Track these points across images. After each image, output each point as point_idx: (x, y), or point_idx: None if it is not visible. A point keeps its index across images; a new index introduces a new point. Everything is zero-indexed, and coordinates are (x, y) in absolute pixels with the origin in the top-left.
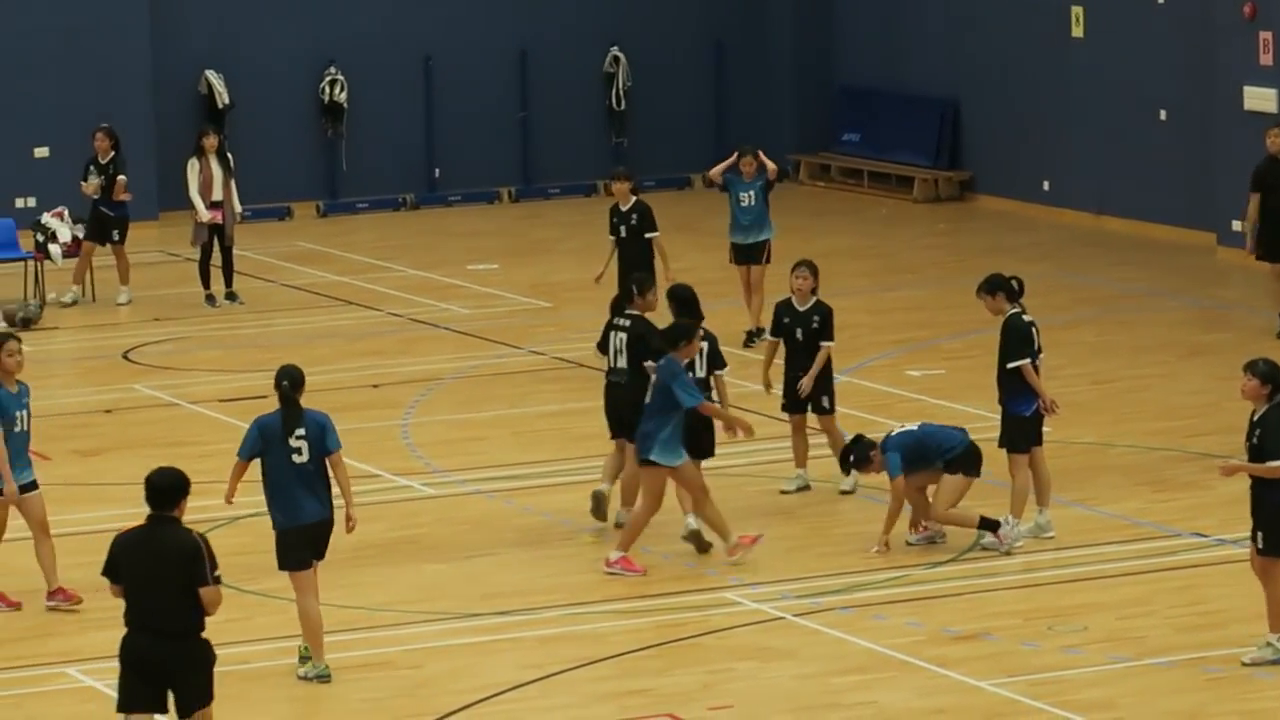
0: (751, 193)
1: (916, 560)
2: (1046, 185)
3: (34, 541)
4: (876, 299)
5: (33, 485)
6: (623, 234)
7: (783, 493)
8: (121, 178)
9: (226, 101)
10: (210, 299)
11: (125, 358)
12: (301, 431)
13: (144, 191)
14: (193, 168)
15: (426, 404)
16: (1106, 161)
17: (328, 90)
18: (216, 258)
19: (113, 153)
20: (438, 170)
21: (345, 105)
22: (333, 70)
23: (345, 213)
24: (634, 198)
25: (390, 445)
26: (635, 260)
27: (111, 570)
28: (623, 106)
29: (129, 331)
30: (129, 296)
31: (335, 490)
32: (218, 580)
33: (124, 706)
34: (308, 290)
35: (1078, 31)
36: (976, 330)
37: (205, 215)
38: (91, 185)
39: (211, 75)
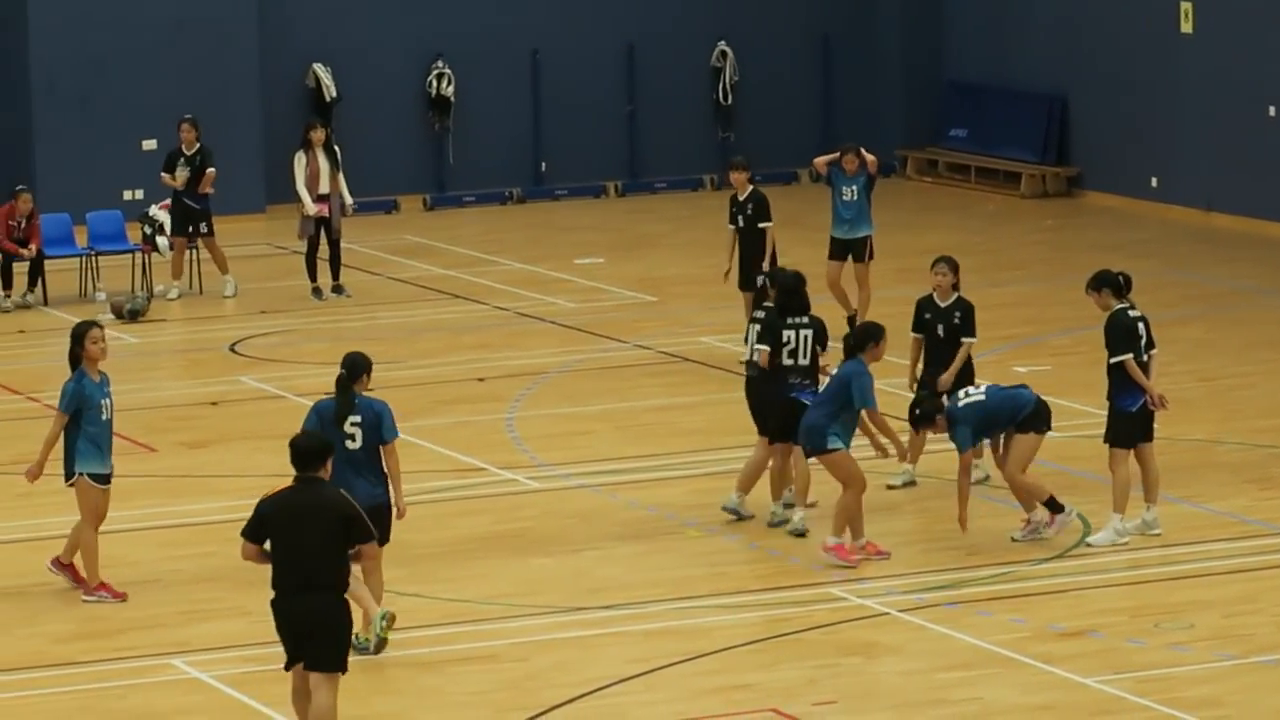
0: (854, 188)
1: (1021, 556)
2: (1155, 181)
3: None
4: (983, 295)
5: (109, 478)
6: (740, 224)
7: (889, 488)
8: (211, 169)
9: (334, 95)
10: (317, 292)
11: (231, 350)
12: (356, 419)
13: (251, 185)
14: (299, 161)
15: (532, 398)
16: (1215, 158)
17: (435, 84)
18: (324, 250)
19: (198, 144)
20: (544, 164)
21: (452, 99)
22: (440, 63)
23: (452, 206)
24: (751, 187)
25: (495, 439)
26: (751, 250)
27: (253, 531)
28: (729, 101)
29: (235, 324)
30: (235, 286)
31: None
32: (372, 535)
33: (291, 663)
34: (414, 284)
35: (1187, 27)
36: (1084, 327)
37: (311, 208)
38: (180, 177)
39: (319, 68)
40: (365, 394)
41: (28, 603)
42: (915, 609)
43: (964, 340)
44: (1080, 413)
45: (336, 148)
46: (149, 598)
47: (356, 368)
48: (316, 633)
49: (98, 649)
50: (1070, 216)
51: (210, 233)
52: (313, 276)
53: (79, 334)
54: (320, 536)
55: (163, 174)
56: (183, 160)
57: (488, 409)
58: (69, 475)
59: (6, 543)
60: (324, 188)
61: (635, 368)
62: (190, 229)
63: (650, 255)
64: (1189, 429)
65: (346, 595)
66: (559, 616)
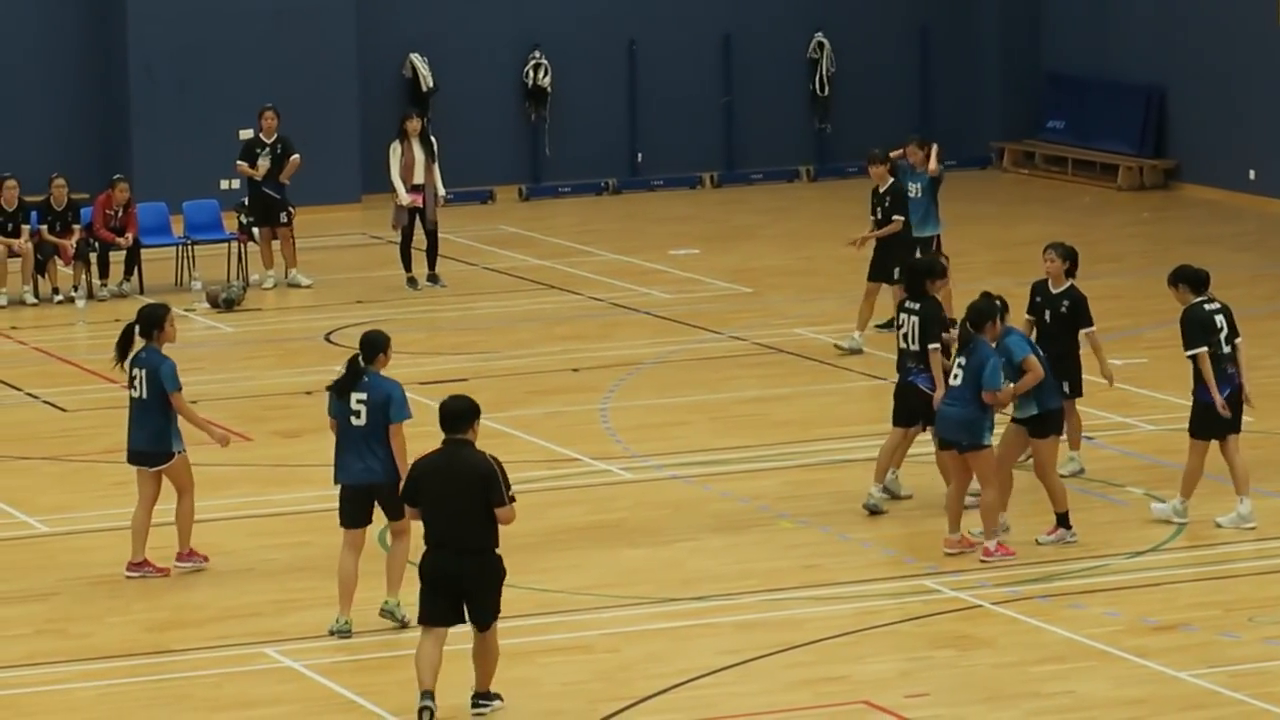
0: (919, 185)
1: (1115, 550)
2: (1253, 174)
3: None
4: (1079, 287)
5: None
6: (878, 215)
7: None
8: (295, 156)
9: (430, 85)
10: (412, 282)
11: (327, 339)
12: (362, 396)
13: (347, 175)
14: (395, 151)
15: (626, 388)
16: None
17: (531, 74)
18: (419, 240)
19: (276, 133)
20: (640, 155)
21: (549, 89)
22: (537, 54)
23: (547, 196)
24: (890, 179)
25: (589, 429)
26: (888, 241)
27: (410, 493)
28: (826, 92)
29: (330, 314)
30: (309, 278)
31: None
32: (512, 499)
33: (424, 620)
34: (509, 274)
35: None
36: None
37: (405, 199)
38: (261, 167)
39: (416, 59)
40: (381, 374)
41: (122, 590)
42: (1008, 601)
43: (1083, 331)
44: (1174, 405)
45: (433, 138)
46: (243, 586)
47: (371, 346)
48: (470, 594)
49: (191, 637)
50: (1167, 209)
51: (289, 223)
52: (407, 266)
53: (159, 316)
54: (465, 497)
55: (240, 163)
56: (264, 150)
57: (582, 399)
58: (166, 456)
59: (103, 530)
60: (419, 178)
61: (729, 359)
62: (269, 218)
63: (745, 246)
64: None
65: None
66: (651, 608)
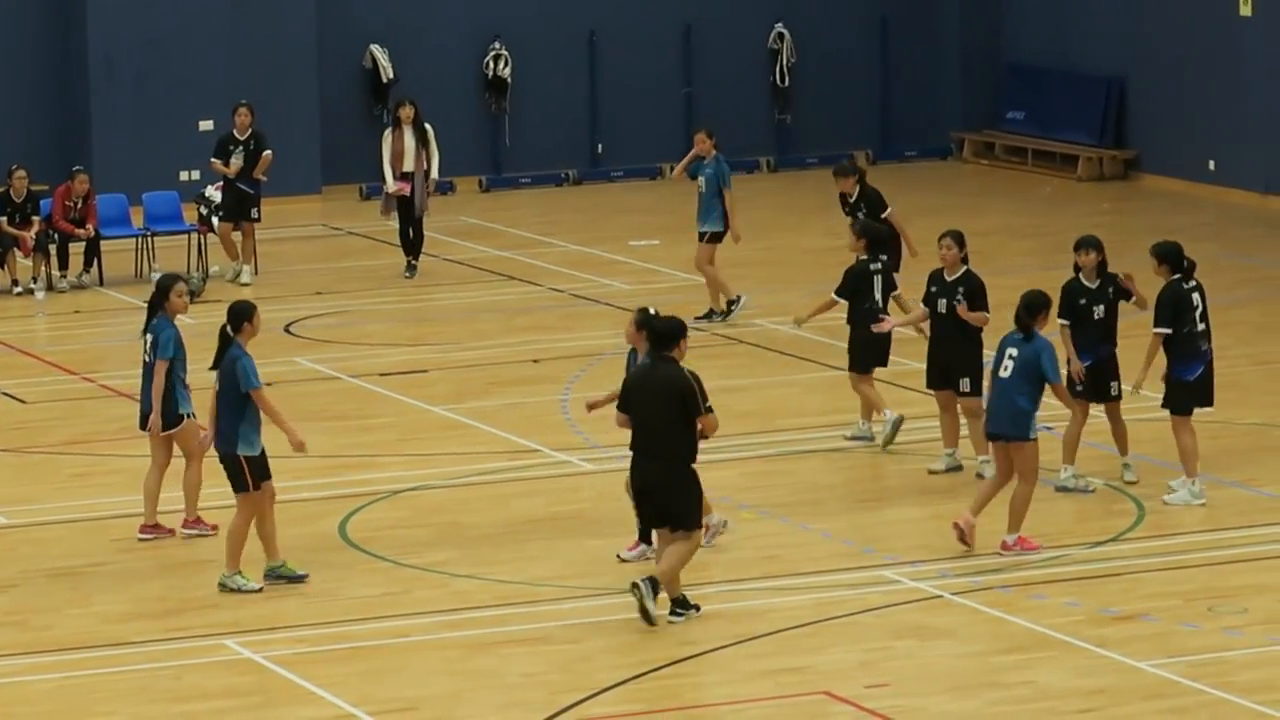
0: (705, 178)
1: (1076, 541)
2: (1212, 165)
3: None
4: (1039, 278)
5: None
6: (860, 216)
7: (931, 472)
8: (268, 153)
9: (391, 76)
10: (411, 268)
11: (287, 331)
12: (223, 368)
13: (307, 166)
14: (386, 139)
15: (587, 379)
16: (1273, 141)
17: (492, 65)
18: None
19: (250, 129)
20: (600, 145)
21: (509, 80)
22: (497, 45)
23: (508, 188)
24: (857, 189)
25: (550, 420)
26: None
27: (624, 402)
28: (787, 83)
29: (290, 305)
30: (252, 276)
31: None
32: (709, 410)
33: (645, 534)
34: (470, 265)
35: (1246, 10)
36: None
37: (391, 186)
38: (234, 164)
39: (376, 50)
40: (242, 344)
41: (82, 583)
42: (969, 592)
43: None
44: (1139, 396)
45: (428, 125)
46: (201, 578)
47: (235, 316)
48: (669, 496)
49: (151, 629)
50: (1127, 200)
51: (259, 218)
52: (406, 253)
53: (165, 286)
54: (666, 408)
55: (213, 160)
56: (237, 147)
57: (542, 390)
58: (173, 422)
59: (62, 522)
60: (408, 166)
61: (690, 350)
62: (240, 214)
63: None
64: (1244, 413)
65: None
66: (612, 598)
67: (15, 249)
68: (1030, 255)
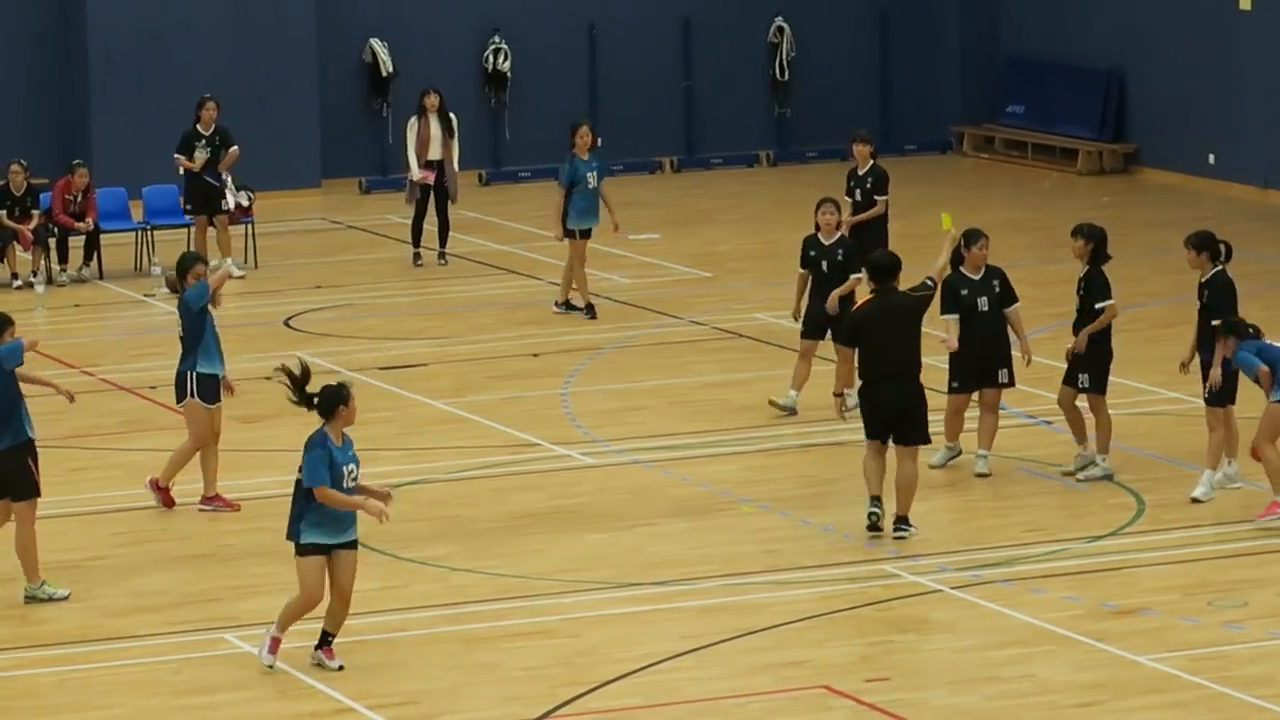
0: (594, 173)
1: (1076, 535)
2: (1212, 159)
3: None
4: (1039, 271)
5: None
6: (857, 197)
7: (931, 467)
8: (233, 149)
9: (390, 70)
10: (417, 258)
11: (286, 325)
12: None
13: (307, 159)
14: (412, 126)
15: (586, 373)
16: (1273, 135)
17: (491, 59)
18: (431, 218)
19: (214, 124)
20: (600, 139)
21: (509, 74)
22: (497, 39)
23: (508, 181)
24: (872, 161)
25: (549, 414)
26: (868, 221)
27: (849, 335)
28: (786, 77)
29: (289, 299)
30: (240, 268)
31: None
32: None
33: (870, 435)
34: (469, 259)
35: (1245, 4)
36: (1140, 304)
37: (417, 174)
38: (199, 159)
39: (375, 43)
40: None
41: (83, 576)
42: (968, 586)
43: (851, 276)
44: (1135, 390)
45: (452, 115)
46: (202, 572)
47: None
48: (902, 414)
49: (151, 623)
50: (1127, 193)
51: (230, 209)
52: (415, 243)
53: (185, 266)
54: (903, 332)
55: (176, 156)
56: (202, 141)
57: (542, 384)
58: (181, 394)
59: (62, 516)
60: (435, 154)
61: (690, 344)
62: (209, 207)
63: (705, 231)
64: (1244, 407)
65: None
66: (612, 592)
67: (15, 243)
68: (1029, 249)
